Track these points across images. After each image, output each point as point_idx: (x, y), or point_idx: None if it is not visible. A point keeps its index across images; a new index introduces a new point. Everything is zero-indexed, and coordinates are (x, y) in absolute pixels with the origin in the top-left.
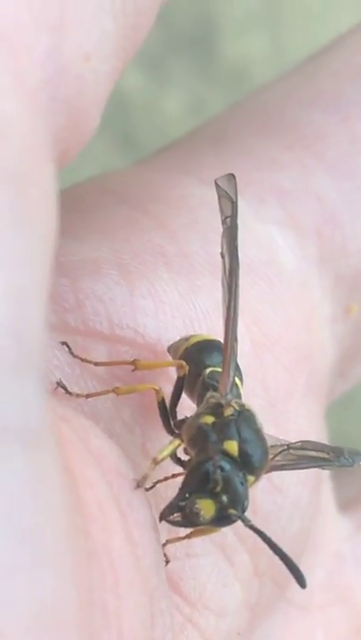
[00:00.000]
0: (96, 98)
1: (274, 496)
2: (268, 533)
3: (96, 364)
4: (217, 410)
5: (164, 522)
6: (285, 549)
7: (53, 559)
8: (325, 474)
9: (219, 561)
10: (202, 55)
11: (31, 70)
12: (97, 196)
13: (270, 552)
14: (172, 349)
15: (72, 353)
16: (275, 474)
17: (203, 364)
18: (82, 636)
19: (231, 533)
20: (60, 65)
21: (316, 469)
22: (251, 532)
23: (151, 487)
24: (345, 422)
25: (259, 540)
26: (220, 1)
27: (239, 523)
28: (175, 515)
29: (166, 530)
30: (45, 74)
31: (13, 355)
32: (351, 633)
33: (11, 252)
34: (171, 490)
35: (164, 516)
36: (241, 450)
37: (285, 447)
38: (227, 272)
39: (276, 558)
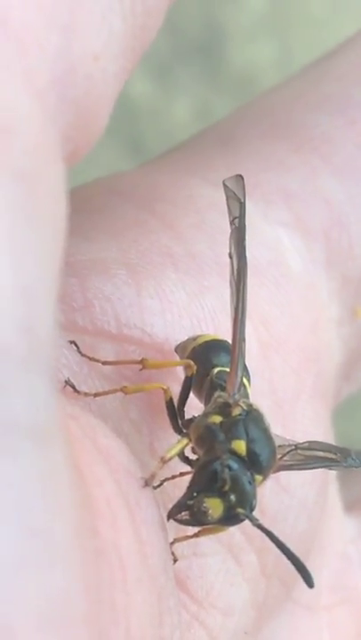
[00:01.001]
0: (105, 97)
1: (281, 496)
2: (276, 533)
3: (104, 363)
4: (225, 409)
5: (171, 521)
6: (292, 549)
7: (62, 556)
8: (332, 474)
9: (226, 560)
10: (210, 62)
11: (41, 70)
12: (105, 196)
13: (278, 552)
14: (180, 349)
15: (80, 352)
16: (282, 474)
17: (210, 363)
18: (91, 633)
19: (239, 533)
20: (70, 64)
21: (322, 470)
22: (258, 532)
23: (159, 485)
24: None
25: (266, 539)
26: (228, 8)
27: (247, 522)
28: (183, 513)
29: (174, 529)
30: (55, 73)
31: (23, 351)
32: (358, 634)
33: (21, 249)
34: (179, 489)
35: (171, 515)
36: (249, 449)
37: (293, 447)
38: (235, 272)
39: (284, 558)
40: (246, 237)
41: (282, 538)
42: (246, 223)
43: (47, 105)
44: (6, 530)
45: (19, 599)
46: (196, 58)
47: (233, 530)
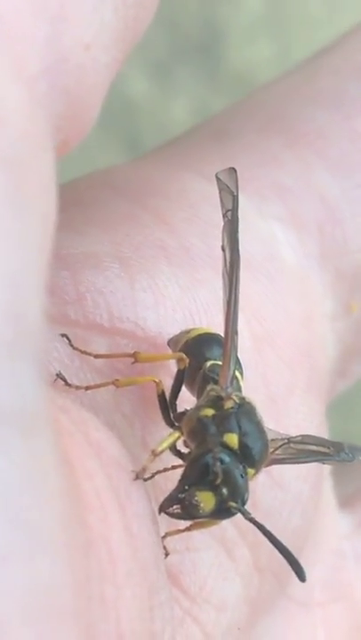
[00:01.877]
0: (96, 87)
1: (274, 491)
2: (269, 528)
3: (96, 356)
4: (217, 402)
5: (163, 514)
6: (285, 543)
7: (49, 546)
8: (326, 470)
9: (219, 555)
10: (208, 61)
11: (31, 58)
12: (98, 190)
13: (271, 547)
14: (173, 342)
15: (72, 345)
16: (275, 469)
17: (203, 356)
18: (79, 626)
19: (232, 527)
20: (60, 54)
21: (316, 465)
22: (251, 527)
23: (150, 477)
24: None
25: (259, 534)
26: (226, 7)
27: (240, 517)
28: (174, 507)
29: (166, 522)
30: (45, 62)
31: (10, 337)
32: (352, 630)
33: (8, 235)
34: (171, 482)
35: (163, 508)
36: (241, 442)
37: (286, 441)
38: (227, 265)
39: (277, 553)
40: (239, 230)
41: (275, 533)
42: (240, 218)
43: (37, 94)
44: None
45: (3, 590)
46: (194, 57)
47: (226, 524)
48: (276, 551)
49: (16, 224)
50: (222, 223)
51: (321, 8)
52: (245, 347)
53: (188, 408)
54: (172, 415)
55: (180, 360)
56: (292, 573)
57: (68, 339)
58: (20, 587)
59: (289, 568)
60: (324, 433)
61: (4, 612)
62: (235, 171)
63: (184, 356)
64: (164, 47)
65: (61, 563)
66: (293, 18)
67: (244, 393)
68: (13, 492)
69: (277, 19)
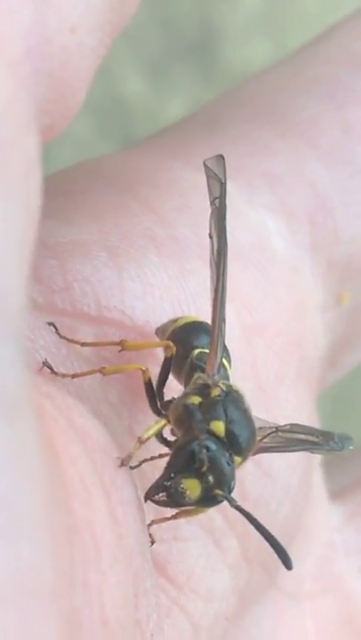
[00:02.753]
0: (82, 71)
1: (263, 481)
2: (257, 518)
3: (83, 344)
4: (204, 390)
5: (150, 503)
6: (274, 534)
7: (30, 528)
8: (317, 461)
9: (207, 545)
10: (204, 61)
11: (14, 40)
12: (87, 179)
13: (260, 537)
14: (160, 331)
15: (59, 334)
16: (264, 459)
17: (191, 345)
18: (61, 610)
19: (220, 518)
20: (45, 36)
21: (306, 455)
22: (240, 517)
23: (137, 466)
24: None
25: (248, 525)
26: (223, 7)
27: (228, 507)
28: (160, 494)
29: (153, 511)
30: (29, 44)
31: None
32: (341, 623)
33: None
34: (157, 472)
35: (148, 496)
36: (228, 430)
37: (274, 429)
38: (215, 252)
39: (266, 544)
40: (229, 219)
41: (264, 523)
42: (230, 207)
43: (20, 76)
44: None
45: None
46: (189, 56)
47: (214, 514)
48: (264, 542)
49: None
50: (210, 211)
51: (318, 7)
52: (235, 336)
53: (176, 397)
54: (159, 403)
55: (167, 348)
56: (282, 565)
57: (55, 327)
58: (1, 569)
59: (278, 559)
60: (314, 423)
61: None
62: (222, 158)
63: (171, 343)
64: (159, 46)
65: (43, 545)
66: (289, 17)
67: (233, 382)
68: None
69: (273, 18)
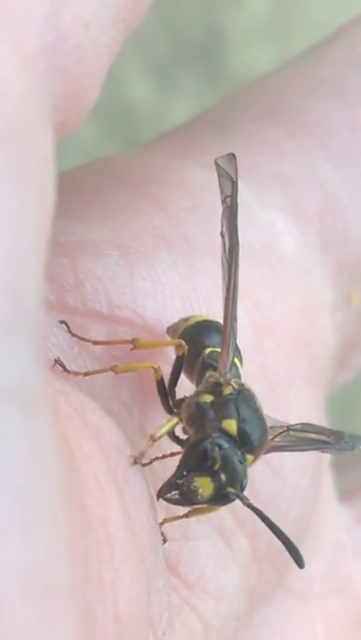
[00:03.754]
0: (95, 68)
1: (273, 481)
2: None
3: (95, 342)
4: (216, 389)
5: (162, 502)
6: (287, 533)
7: (47, 522)
8: (326, 462)
9: (217, 544)
10: (209, 66)
11: (29, 36)
12: (97, 178)
13: (269, 537)
14: (171, 330)
15: (70, 332)
16: (274, 459)
17: (202, 344)
18: (77, 604)
19: (230, 517)
20: (59, 32)
21: (316, 455)
22: (250, 516)
23: (149, 463)
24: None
25: (258, 524)
26: (228, 12)
27: (238, 506)
28: (173, 493)
29: (164, 510)
30: (44, 41)
31: (8, 313)
32: (350, 623)
33: (6, 210)
34: (169, 471)
35: (161, 494)
36: (240, 429)
37: (285, 428)
38: (226, 251)
39: (275, 543)
40: (240, 221)
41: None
42: (240, 206)
43: (35, 72)
44: None
45: (2, 563)
46: (195, 61)
47: (224, 513)
48: (274, 541)
49: (14, 198)
50: (221, 209)
51: (323, 11)
52: (245, 336)
53: (187, 395)
54: (170, 402)
55: (178, 346)
56: (291, 564)
57: (66, 325)
58: (18, 560)
59: (288, 559)
60: (323, 423)
61: (2, 586)
62: (234, 157)
63: (183, 342)
64: (165, 51)
65: (59, 539)
66: (295, 21)
67: (244, 381)
68: (13, 466)
69: (279, 22)
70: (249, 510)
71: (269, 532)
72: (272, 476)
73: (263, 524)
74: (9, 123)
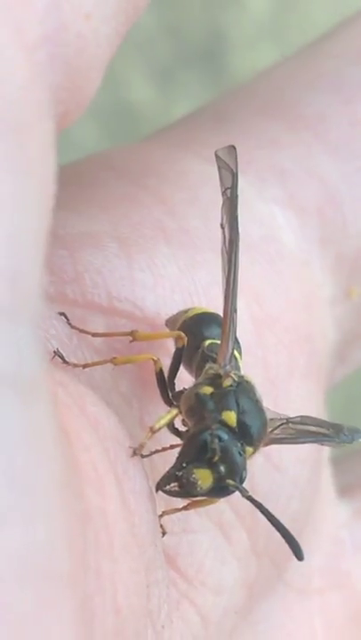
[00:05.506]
0: (96, 59)
1: (272, 475)
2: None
3: (94, 334)
4: (216, 380)
5: (160, 494)
6: (286, 526)
7: (47, 510)
8: (325, 457)
9: (216, 538)
10: (212, 68)
11: (30, 26)
12: (97, 171)
13: (268, 531)
14: (170, 322)
15: (70, 324)
16: (274, 453)
17: (202, 336)
18: (75, 594)
19: (229, 510)
20: (60, 22)
21: (315, 449)
22: (249, 510)
23: (148, 455)
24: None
25: (257, 518)
26: (231, 14)
27: (238, 499)
28: (172, 484)
29: (163, 502)
30: (45, 30)
31: (7, 299)
32: (348, 618)
33: (7, 198)
34: (169, 464)
35: (160, 486)
36: (239, 420)
37: (285, 421)
38: (226, 243)
39: (275, 538)
40: (240, 214)
41: None
42: (240, 200)
43: (37, 62)
44: None
45: (1, 551)
46: (198, 63)
47: (223, 507)
48: (273, 536)
49: (15, 186)
50: (222, 201)
51: (324, 14)
52: (245, 329)
53: (187, 387)
54: (170, 394)
55: (178, 338)
56: (290, 559)
57: (66, 317)
58: (18, 548)
59: (287, 553)
60: (323, 417)
61: (1, 575)
62: (234, 148)
63: (182, 334)
64: (167, 53)
65: (58, 528)
66: (297, 24)
67: (244, 373)
68: (12, 453)
69: (281, 25)
70: (248, 504)
71: (269, 526)
72: (272, 470)
73: (262, 518)
74: (11, 110)
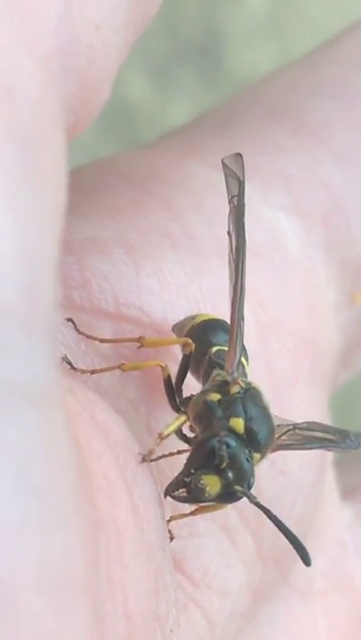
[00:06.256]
0: (106, 69)
1: (277, 479)
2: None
3: (102, 340)
4: (223, 387)
5: (168, 500)
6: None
7: (62, 519)
8: (329, 460)
9: (222, 541)
10: (208, 65)
11: (43, 37)
12: (103, 177)
13: (273, 535)
14: (177, 328)
15: (77, 330)
16: (278, 457)
17: (209, 342)
18: (89, 600)
19: (235, 515)
20: (72, 33)
21: (320, 454)
22: (254, 514)
23: (156, 459)
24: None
25: (262, 522)
26: (227, 11)
27: (243, 504)
28: (180, 490)
29: (171, 507)
30: (57, 42)
31: (24, 311)
32: (352, 621)
33: (20, 208)
34: (176, 469)
35: (168, 492)
36: (247, 427)
37: (291, 427)
38: (233, 250)
39: (279, 541)
40: (245, 217)
41: None
42: (246, 206)
43: (49, 73)
44: (5, 490)
45: (17, 557)
46: (194, 60)
47: (229, 511)
48: (278, 539)
49: (30, 197)
50: (228, 209)
51: (322, 11)
52: (250, 334)
53: (194, 394)
54: (177, 400)
55: (185, 345)
56: (294, 562)
57: (73, 323)
58: (34, 556)
59: (291, 557)
60: (327, 421)
61: (19, 582)
62: (241, 156)
63: (190, 340)
64: (164, 50)
65: (74, 537)
66: (294, 21)
67: (251, 379)
68: (29, 464)
69: (278, 22)
70: (254, 508)
71: (273, 529)
72: (276, 475)
73: (267, 522)
74: (23, 121)
